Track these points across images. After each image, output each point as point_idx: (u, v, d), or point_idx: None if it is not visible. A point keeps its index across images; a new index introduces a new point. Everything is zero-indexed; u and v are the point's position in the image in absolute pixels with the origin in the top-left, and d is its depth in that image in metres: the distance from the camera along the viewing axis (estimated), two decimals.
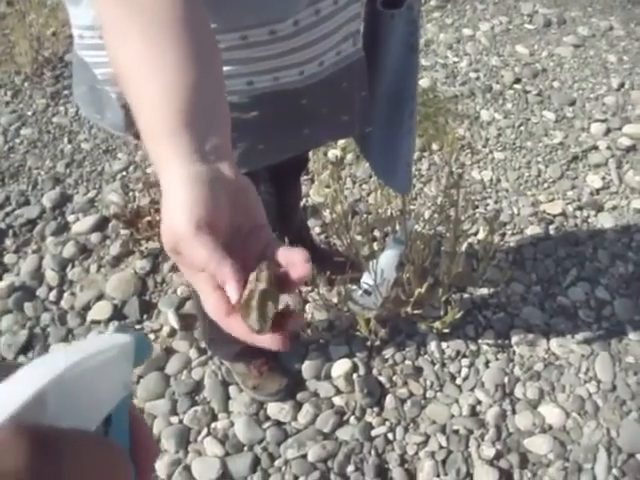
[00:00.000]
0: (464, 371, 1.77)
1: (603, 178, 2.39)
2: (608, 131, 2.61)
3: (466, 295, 1.92)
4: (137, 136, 1.09)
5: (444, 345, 1.81)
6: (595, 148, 2.52)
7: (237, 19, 0.87)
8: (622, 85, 2.88)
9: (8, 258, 2.09)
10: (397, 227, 1.74)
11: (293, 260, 0.52)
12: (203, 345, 1.80)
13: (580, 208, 2.26)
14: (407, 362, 1.78)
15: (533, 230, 2.16)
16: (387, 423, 1.66)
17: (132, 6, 0.60)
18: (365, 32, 1.12)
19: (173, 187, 0.51)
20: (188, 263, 0.51)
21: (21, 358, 1.81)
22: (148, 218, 2.04)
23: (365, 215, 1.89)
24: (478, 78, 2.92)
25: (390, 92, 1.21)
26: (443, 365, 1.78)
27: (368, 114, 1.20)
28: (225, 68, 0.94)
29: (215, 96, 0.60)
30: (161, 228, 0.52)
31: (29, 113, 2.73)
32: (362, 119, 1.19)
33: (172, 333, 1.86)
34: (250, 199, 0.56)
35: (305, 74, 0.99)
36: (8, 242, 2.15)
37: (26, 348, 1.84)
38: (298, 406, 1.69)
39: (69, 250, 2.10)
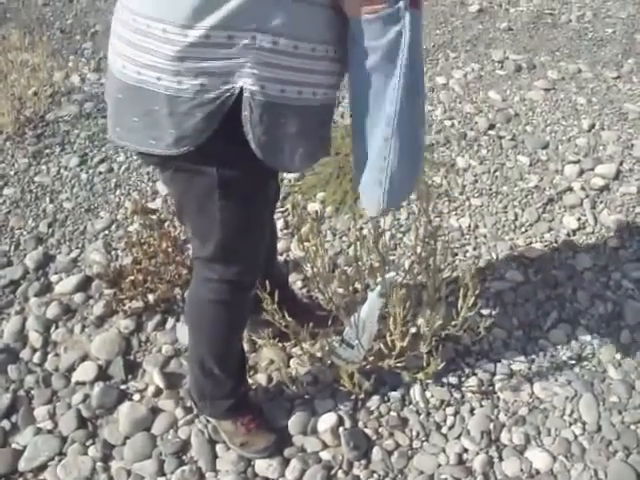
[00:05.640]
0: (449, 419, 1.77)
1: (579, 219, 2.43)
2: (581, 172, 2.67)
3: (448, 343, 1.94)
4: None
5: (428, 394, 1.82)
6: (570, 189, 2.58)
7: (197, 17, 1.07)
8: (592, 126, 2.96)
9: None
10: (378, 279, 1.76)
11: None
12: (189, 404, 1.79)
13: (558, 250, 2.30)
14: (392, 413, 1.78)
15: (512, 274, 2.19)
16: (375, 475, 1.66)
17: None
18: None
19: None
20: None
21: (4, 422, 1.80)
22: (131, 277, 2.05)
23: (346, 268, 1.92)
24: (453, 125, 2.99)
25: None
26: (428, 414, 1.78)
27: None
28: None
29: None
30: None
31: (11, 173, 2.75)
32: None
33: (158, 392, 1.85)
34: None
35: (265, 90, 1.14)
36: None
37: (10, 412, 1.82)
38: (286, 462, 1.68)
39: (53, 311, 2.10)
